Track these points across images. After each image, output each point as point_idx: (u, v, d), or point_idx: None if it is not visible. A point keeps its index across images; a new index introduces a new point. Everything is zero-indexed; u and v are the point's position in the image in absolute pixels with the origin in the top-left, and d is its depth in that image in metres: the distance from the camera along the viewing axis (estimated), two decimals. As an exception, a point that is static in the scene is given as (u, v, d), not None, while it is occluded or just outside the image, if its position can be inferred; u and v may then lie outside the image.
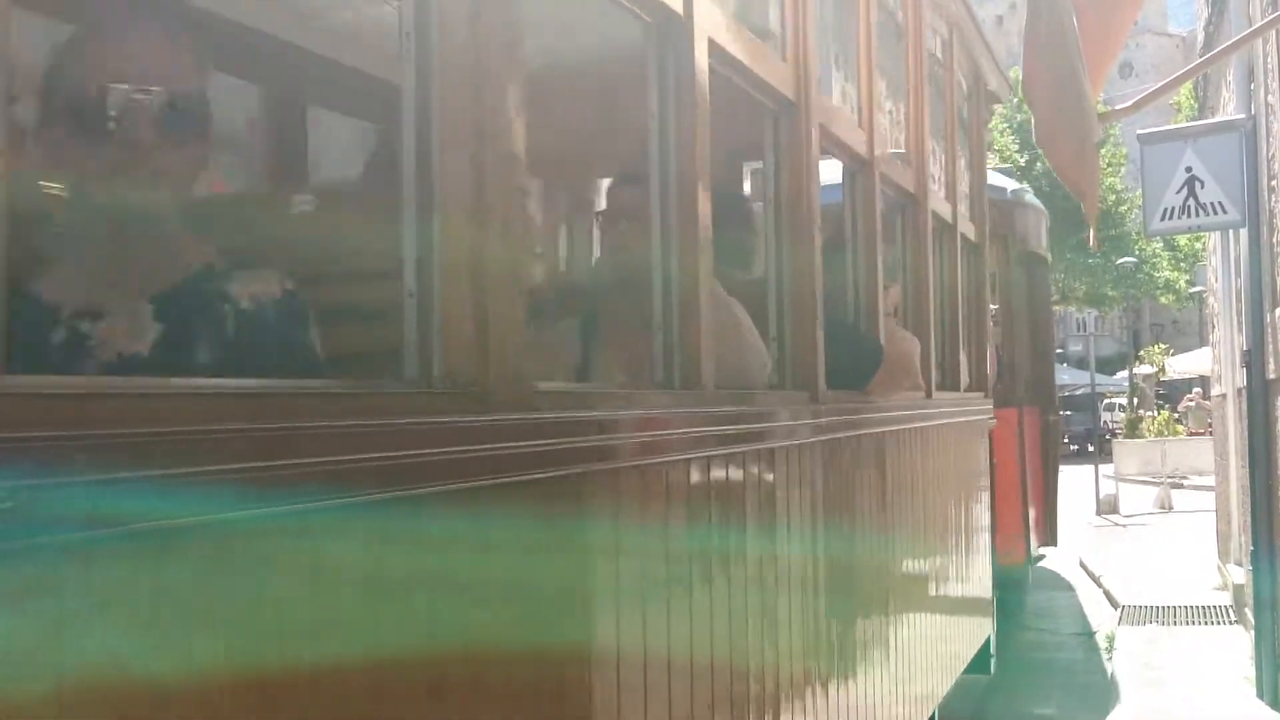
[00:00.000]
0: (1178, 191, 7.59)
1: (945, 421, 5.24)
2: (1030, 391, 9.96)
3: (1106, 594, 11.19)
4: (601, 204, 3.44)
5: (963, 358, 5.96)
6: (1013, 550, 8.94)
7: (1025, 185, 12.24)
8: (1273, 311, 7.22)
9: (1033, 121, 5.07)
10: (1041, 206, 11.13)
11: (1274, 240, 7.30)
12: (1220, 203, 7.48)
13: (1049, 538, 10.56)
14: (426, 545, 1.38)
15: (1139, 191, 9.36)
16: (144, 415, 0.98)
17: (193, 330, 1.56)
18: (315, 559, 1.19)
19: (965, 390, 6.01)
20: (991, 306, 8.06)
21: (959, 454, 5.63)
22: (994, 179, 10.25)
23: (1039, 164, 36.52)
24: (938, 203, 5.35)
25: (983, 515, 6.29)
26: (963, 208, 6.17)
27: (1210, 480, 13.99)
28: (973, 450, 6.12)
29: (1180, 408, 31.25)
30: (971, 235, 6.35)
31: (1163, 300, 44.43)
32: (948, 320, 5.74)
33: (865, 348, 3.81)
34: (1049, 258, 11.61)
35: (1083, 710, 7.30)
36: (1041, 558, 10.84)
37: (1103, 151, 31.69)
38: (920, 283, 4.97)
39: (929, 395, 4.89)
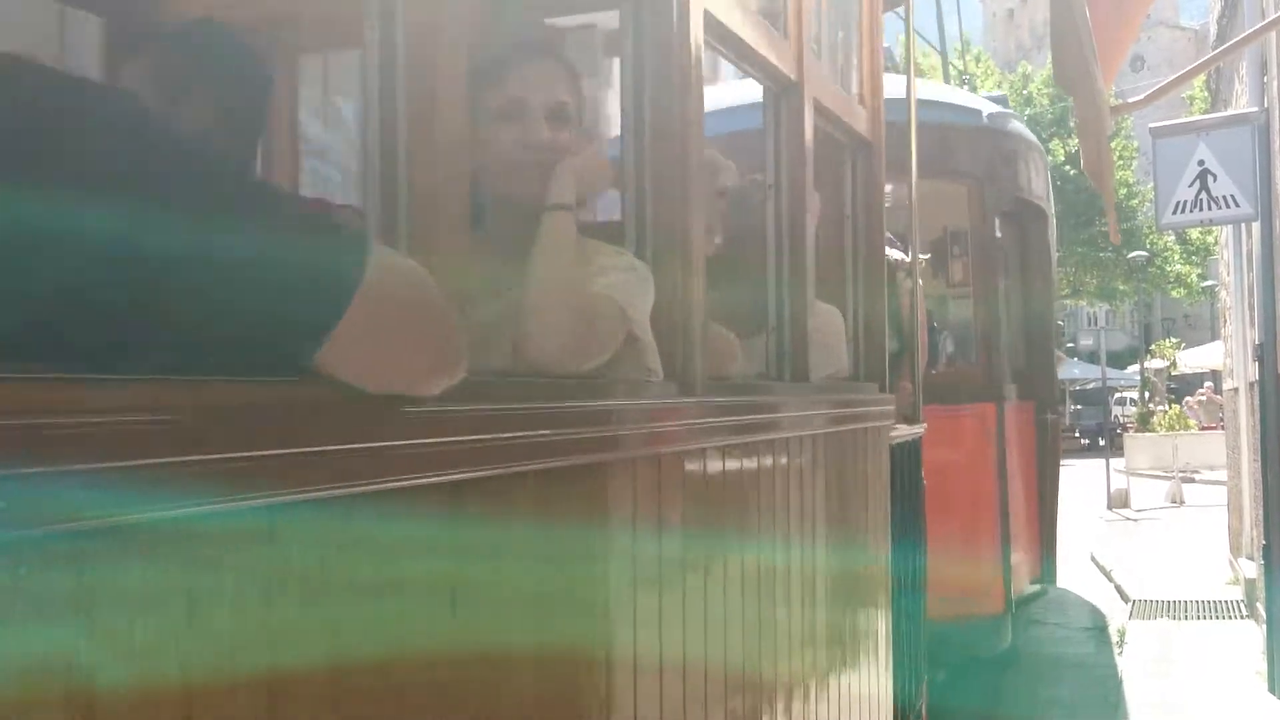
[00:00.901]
0: (1190, 185, 7.59)
1: (744, 440, 2.48)
2: (1023, 382, 7.48)
3: (1118, 588, 11.17)
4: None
5: (832, 328, 3.40)
6: (982, 599, 6.44)
7: (1011, 109, 8.28)
8: (1285, 305, 7.22)
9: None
10: (1035, 140, 8.06)
11: (1287, 234, 7.29)
12: (1232, 196, 7.47)
13: (1045, 572, 7.88)
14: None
15: (1150, 185, 9.29)
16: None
17: None
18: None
19: (842, 378, 3.48)
20: (923, 257, 5.09)
21: (797, 493, 2.84)
22: (969, 100, 8.01)
23: (1046, 157, 36.37)
24: (739, 21, 2.52)
25: (871, 581, 3.59)
26: (832, 70, 3.59)
27: (1222, 475, 13.96)
28: (846, 479, 3.36)
29: (1189, 402, 31.11)
30: (859, 125, 3.64)
31: (1174, 294, 44.27)
32: (785, 254, 2.96)
33: (330, 254, 1.13)
34: (1049, 210, 8.20)
35: (1094, 704, 7.30)
36: (1039, 594, 8.10)
37: (1114, 145, 31.52)
38: (676, 166, 2.18)
39: (692, 391, 2.21)
